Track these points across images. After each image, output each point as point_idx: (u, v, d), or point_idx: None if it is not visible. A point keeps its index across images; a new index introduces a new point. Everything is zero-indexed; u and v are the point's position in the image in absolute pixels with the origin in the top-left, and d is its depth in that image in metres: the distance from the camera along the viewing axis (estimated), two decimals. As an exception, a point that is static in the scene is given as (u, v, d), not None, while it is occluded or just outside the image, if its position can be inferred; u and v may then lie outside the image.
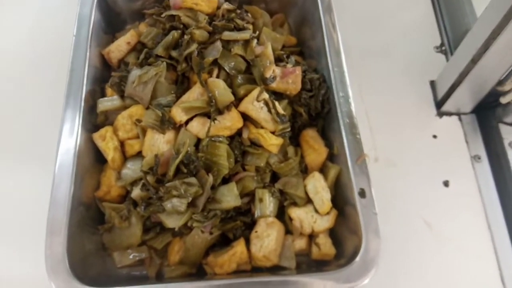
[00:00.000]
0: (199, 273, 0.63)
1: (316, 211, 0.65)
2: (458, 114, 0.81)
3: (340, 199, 0.66)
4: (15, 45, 0.84)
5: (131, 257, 0.64)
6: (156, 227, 0.64)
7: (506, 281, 0.67)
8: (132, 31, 0.75)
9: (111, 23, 0.79)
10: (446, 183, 0.75)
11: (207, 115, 0.65)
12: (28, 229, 0.66)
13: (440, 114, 0.81)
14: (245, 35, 0.70)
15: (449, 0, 0.93)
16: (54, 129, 0.65)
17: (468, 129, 0.80)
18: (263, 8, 0.84)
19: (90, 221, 0.64)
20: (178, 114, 0.64)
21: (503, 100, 0.74)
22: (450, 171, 0.76)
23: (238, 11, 0.76)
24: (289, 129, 0.67)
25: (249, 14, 0.78)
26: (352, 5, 0.92)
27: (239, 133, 0.66)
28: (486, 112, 0.81)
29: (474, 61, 0.70)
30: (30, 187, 0.71)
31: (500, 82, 0.73)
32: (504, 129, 0.79)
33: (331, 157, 0.69)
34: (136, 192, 0.62)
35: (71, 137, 0.64)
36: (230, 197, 0.61)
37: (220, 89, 0.64)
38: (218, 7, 0.76)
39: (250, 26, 0.75)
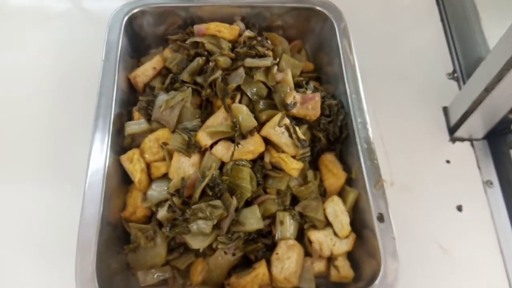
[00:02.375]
0: (222, 293, 0.65)
1: (335, 234, 0.67)
2: (471, 140, 0.84)
3: (359, 223, 0.68)
4: (46, 68, 0.87)
5: (154, 276, 0.66)
6: (180, 247, 0.66)
7: (518, 304, 0.69)
8: (158, 56, 0.78)
9: (136, 48, 0.83)
10: (459, 208, 0.77)
11: (231, 139, 0.67)
12: (57, 247, 0.69)
13: (453, 139, 0.84)
14: (267, 62, 0.73)
15: (461, 29, 0.96)
16: (84, 151, 0.67)
17: (480, 155, 0.82)
18: (281, 34, 0.87)
19: (116, 240, 0.66)
20: (204, 138, 0.66)
21: (515, 127, 0.77)
22: (463, 196, 0.78)
23: (259, 38, 0.79)
24: (309, 154, 0.69)
25: (268, 41, 0.82)
26: (366, 31, 0.94)
27: (261, 157, 0.68)
28: (498, 139, 0.83)
29: (488, 90, 0.72)
30: (59, 206, 0.73)
31: (512, 110, 0.75)
32: (515, 155, 0.81)
33: (349, 181, 0.71)
34: (162, 213, 0.64)
35: (100, 158, 0.66)
36: (253, 219, 0.63)
37: (244, 114, 0.67)
38: (240, 34, 0.79)
39: (270, 53, 0.78)
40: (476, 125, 0.81)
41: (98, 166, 0.66)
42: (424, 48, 0.96)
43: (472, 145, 0.83)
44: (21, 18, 0.95)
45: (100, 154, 0.67)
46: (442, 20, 1.00)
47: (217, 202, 0.62)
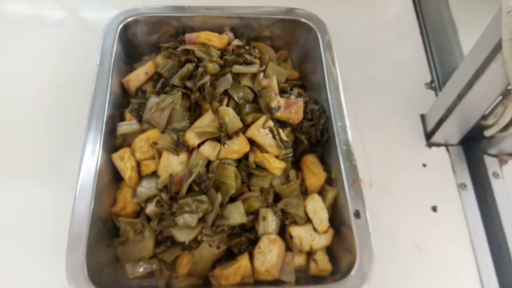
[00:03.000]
0: (206, 285, 0.68)
1: (315, 230, 0.70)
2: (446, 145, 0.88)
3: (337, 220, 0.72)
4: (43, 73, 0.91)
5: (142, 269, 0.69)
6: (167, 241, 0.70)
7: (488, 299, 0.72)
8: (150, 62, 0.82)
9: (130, 55, 0.87)
10: (434, 208, 0.81)
11: (218, 139, 0.71)
12: (50, 241, 0.72)
13: (430, 145, 0.88)
14: (253, 69, 0.77)
15: (439, 41, 1.02)
16: (77, 150, 0.70)
17: (455, 159, 0.87)
18: (268, 44, 0.92)
19: (106, 234, 0.69)
20: (192, 138, 0.70)
21: (487, 133, 0.80)
22: (438, 198, 0.81)
23: (247, 47, 0.84)
24: (291, 154, 0.73)
25: (256, 50, 0.86)
26: (350, 44, 0.99)
27: (246, 156, 0.72)
28: (472, 144, 0.87)
29: (460, 97, 0.77)
30: (54, 202, 0.76)
31: (484, 117, 0.79)
32: (488, 160, 0.85)
33: (329, 181, 0.75)
34: (150, 208, 0.68)
35: (92, 157, 0.69)
36: (236, 214, 0.67)
37: (230, 116, 0.71)
38: (229, 43, 0.84)
39: (257, 61, 0.82)
40: (451, 131, 0.85)
41: (90, 164, 0.69)
42: (404, 59, 1.01)
43: (448, 150, 0.88)
44: (19, 25, 0.99)
45: (92, 153, 0.70)
46: (421, 33, 1.05)
47: (203, 197, 0.65)
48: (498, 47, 0.64)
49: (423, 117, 0.91)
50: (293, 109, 0.76)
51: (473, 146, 0.87)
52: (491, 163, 0.85)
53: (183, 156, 0.70)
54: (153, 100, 0.74)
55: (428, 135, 0.88)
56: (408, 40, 1.05)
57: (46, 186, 0.78)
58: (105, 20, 0.84)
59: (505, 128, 0.76)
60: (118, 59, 0.82)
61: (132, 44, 0.87)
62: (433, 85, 0.96)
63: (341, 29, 0.93)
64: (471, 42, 0.75)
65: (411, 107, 0.92)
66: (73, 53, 0.94)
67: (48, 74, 0.91)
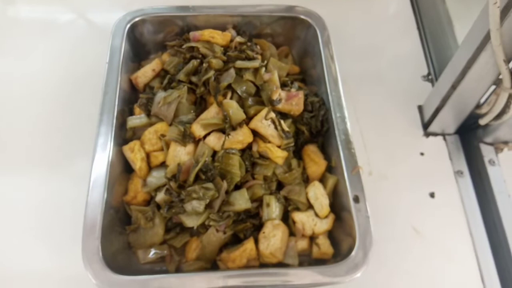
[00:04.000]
0: (214, 268, 0.72)
1: (316, 215, 0.74)
2: (443, 134, 0.91)
3: (337, 205, 0.75)
4: (56, 72, 0.96)
5: (153, 254, 0.72)
6: (176, 227, 0.73)
7: (485, 281, 0.75)
8: (157, 60, 0.86)
9: (137, 53, 0.91)
10: (432, 195, 0.84)
11: (222, 130, 0.74)
12: (66, 228, 0.76)
13: (427, 134, 0.91)
14: (255, 63, 0.81)
15: (435, 35, 1.05)
16: (89, 143, 0.74)
17: (452, 148, 0.90)
18: (270, 41, 0.95)
19: (118, 222, 0.73)
20: (198, 129, 0.74)
21: (482, 122, 0.83)
22: (435, 184, 0.85)
23: (249, 43, 0.88)
24: (293, 144, 0.77)
25: (258, 46, 0.90)
26: (349, 39, 1.03)
27: (249, 146, 0.75)
28: (468, 133, 0.90)
29: (454, 87, 0.80)
30: (66, 192, 0.80)
31: (478, 106, 0.82)
32: (484, 148, 0.88)
33: (329, 169, 0.78)
34: (160, 196, 0.72)
35: (104, 149, 0.73)
36: (241, 200, 0.70)
37: (234, 109, 0.75)
38: (231, 40, 0.87)
39: (259, 57, 0.86)
40: (447, 121, 0.88)
41: (103, 156, 0.73)
42: (402, 53, 1.04)
43: (445, 139, 0.91)
44: (31, 28, 1.04)
45: (104, 145, 0.73)
46: (418, 28, 1.09)
47: (209, 185, 0.69)
48: (487, 37, 0.68)
49: (420, 108, 0.94)
50: (294, 101, 0.79)
51: (469, 134, 0.90)
52: (487, 151, 0.88)
53: (190, 147, 0.74)
54: (160, 95, 0.78)
55: (425, 125, 0.92)
56: (405, 34, 1.08)
57: (60, 178, 0.82)
58: (112, 21, 0.88)
59: (498, 116, 0.79)
60: (127, 57, 0.86)
61: (140, 42, 0.91)
62: (429, 77, 0.99)
63: (339, 25, 0.97)
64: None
65: (408, 99, 0.95)
66: (83, 53, 0.99)
67: (60, 73, 0.96)
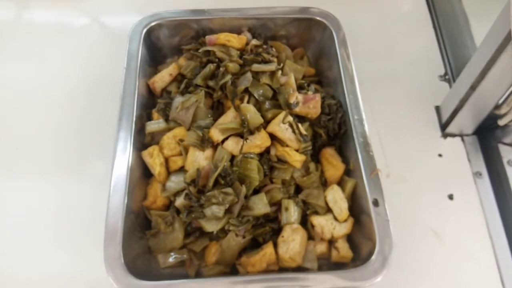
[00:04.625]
0: (233, 272, 0.72)
1: (335, 218, 0.74)
2: (461, 135, 0.91)
3: (356, 209, 0.75)
4: (75, 77, 0.97)
5: (173, 259, 0.73)
6: (195, 232, 0.74)
7: (505, 282, 0.74)
8: (174, 64, 0.86)
9: (154, 57, 0.91)
10: (451, 197, 0.83)
11: (240, 135, 0.75)
12: (86, 233, 0.77)
13: (445, 135, 0.91)
14: (271, 67, 0.80)
15: (452, 35, 1.04)
16: (108, 147, 0.75)
17: (470, 149, 0.89)
18: (285, 43, 0.95)
19: (138, 227, 0.74)
20: (216, 134, 0.74)
21: (501, 122, 0.82)
22: (454, 186, 0.84)
23: (264, 46, 0.87)
24: (310, 148, 0.77)
25: (273, 49, 0.90)
26: (364, 39, 1.02)
27: (267, 150, 0.75)
28: (486, 134, 0.90)
29: (473, 88, 0.79)
30: (87, 198, 0.81)
31: (497, 107, 0.81)
32: (503, 149, 0.87)
33: (348, 172, 0.78)
34: (179, 201, 0.72)
35: (124, 154, 0.74)
36: (260, 205, 0.70)
37: (251, 113, 0.75)
38: (247, 43, 0.87)
39: (275, 59, 0.86)
40: (465, 121, 0.87)
41: (122, 161, 0.73)
42: (418, 53, 1.04)
43: (463, 140, 0.90)
44: (45, 32, 1.05)
45: (124, 151, 0.74)
46: (434, 27, 1.08)
47: (229, 190, 0.69)
48: (508, 38, 0.67)
49: (437, 108, 0.93)
50: (311, 104, 0.79)
51: (488, 135, 0.89)
52: (505, 152, 0.87)
53: (208, 151, 0.74)
54: (178, 99, 0.78)
55: (443, 126, 0.91)
56: (421, 33, 1.07)
57: (79, 183, 0.83)
58: (126, 25, 0.88)
59: (518, 116, 0.78)
60: (143, 62, 0.86)
61: (156, 47, 0.92)
62: (446, 77, 0.98)
63: (354, 25, 0.96)
64: (483, 34, 0.77)
65: (425, 99, 0.95)
66: (98, 58, 0.99)
67: (77, 77, 0.97)
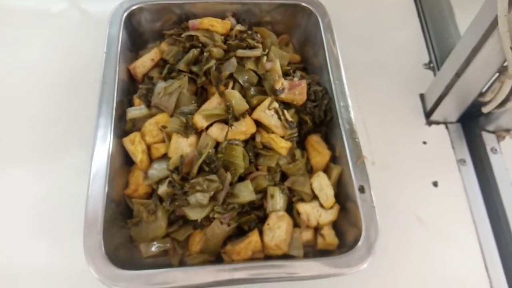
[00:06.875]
0: (218, 261, 0.71)
1: (321, 206, 0.73)
2: (445, 123, 0.91)
3: (342, 196, 0.74)
4: (51, 62, 0.93)
5: (156, 248, 0.71)
6: (179, 220, 0.72)
7: (488, 267, 0.75)
8: (155, 49, 0.84)
9: (135, 42, 0.89)
10: (435, 184, 0.83)
11: (225, 121, 0.73)
12: (66, 223, 0.75)
13: (429, 123, 0.91)
14: (257, 52, 0.79)
15: (436, 22, 1.04)
16: (88, 135, 0.72)
17: (454, 136, 0.89)
18: (270, 29, 0.93)
19: (119, 216, 0.71)
20: (200, 120, 0.73)
21: (485, 110, 0.83)
22: (438, 173, 0.84)
23: (249, 32, 0.86)
24: (296, 134, 0.75)
25: (258, 35, 0.88)
26: (350, 27, 1.02)
27: (252, 137, 0.74)
28: (470, 121, 0.90)
29: (458, 75, 0.79)
30: (66, 186, 0.78)
31: (482, 94, 0.82)
32: (486, 136, 0.88)
33: (334, 159, 0.78)
34: (162, 189, 0.70)
35: (104, 142, 0.71)
36: (246, 192, 0.69)
37: (236, 99, 0.73)
38: (231, 29, 0.85)
39: (260, 45, 0.84)
40: (450, 109, 0.88)
41: (102, 149, 0.71)
42: (403, 41, 1.04)
43: (447, 127, 0.90)
44: (24, 17, 1.01)
45: (104, 138, 0.72)
46: (419, 16, 1.08)
47: (213, 177, 0.67)
48: (494, 24, 0.67)
49: (422, 96, 0.93)
50: (297, 90, 0.78)
51: (472, 123, 0.90)
52: (489, 139, 0.88)
53: (192, 138, 0.73)
54: (160, 85, 0.76)
55: (428, 114, 0.91)
56: (406, 22, 1.07)
57: (59, 171, 0.80)
58: (106, 10, 0.85)
59: (502, 104, 0.79)
60: (124, 47, 0.83)
61: (137, 31, 0.89)
62: (431, 65, 0.99)
63: (341, 13, 0.95)
64: (467, 23, 0.77)
65: (410, 87, 0.95)
66: (78, 43, 0.96)
67: (56, 63, 0.93)
